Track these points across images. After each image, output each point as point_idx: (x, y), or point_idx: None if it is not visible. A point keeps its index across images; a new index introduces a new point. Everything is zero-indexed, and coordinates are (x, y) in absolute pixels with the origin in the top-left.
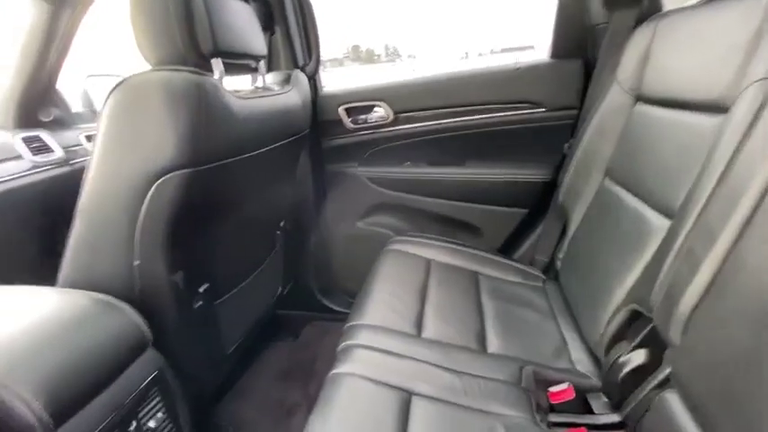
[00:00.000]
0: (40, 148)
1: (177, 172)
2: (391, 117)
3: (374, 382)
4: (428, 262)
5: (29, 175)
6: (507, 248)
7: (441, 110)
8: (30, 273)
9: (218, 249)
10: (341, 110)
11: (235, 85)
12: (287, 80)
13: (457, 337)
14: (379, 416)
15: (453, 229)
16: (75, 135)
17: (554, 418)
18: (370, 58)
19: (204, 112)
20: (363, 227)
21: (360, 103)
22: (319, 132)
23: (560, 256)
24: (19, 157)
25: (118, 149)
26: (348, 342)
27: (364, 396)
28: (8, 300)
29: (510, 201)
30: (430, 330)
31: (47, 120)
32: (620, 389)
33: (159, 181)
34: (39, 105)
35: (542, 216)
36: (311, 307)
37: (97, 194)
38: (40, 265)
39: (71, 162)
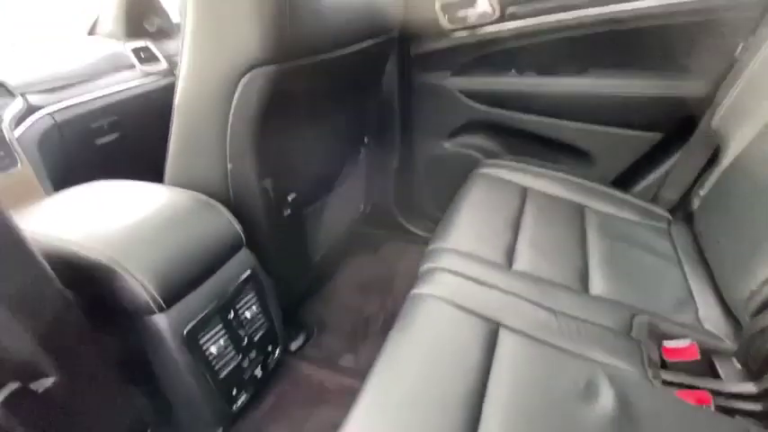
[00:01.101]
0: (148, 57)
1: (262, 68)
2: (497, 12)
3: (458, 308)
4: (524, 190)
5: (141, 83)
6: (624, 181)
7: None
8: (149, 173)
9: (305, 160)
10: (438, 4)
11: None
12: None
13: (553, 274)
14: (463, 341)
15: (557, 153)
16: (176, 45)
17: (669, 376)
18: None
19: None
20: (451, 147)
21: None
22: (409, 35)
23: (702, 192)
24: (132, 66)
25: (205, 44)
26: (431, 264)
27: (448, 320)
28: (126, 194)
29: (640, 122)
30: (522, 263)
31: (152, 30)
32: (765, 358)
33: (246, 77)
34: (144, 15)
35: (680, 143)
36: (391, 226)
37: (189, 94)
38: (155, 166)
39: (176, 72)
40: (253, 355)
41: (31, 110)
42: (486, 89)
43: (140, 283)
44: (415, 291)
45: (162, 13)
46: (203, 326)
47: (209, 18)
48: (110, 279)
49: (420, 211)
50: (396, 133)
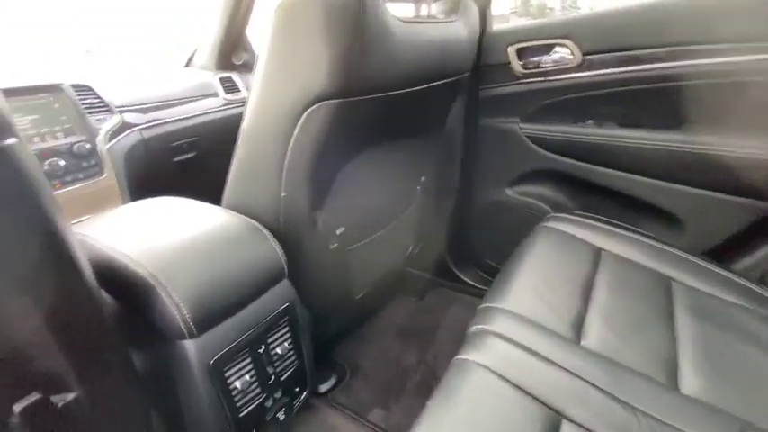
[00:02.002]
0: (231, 87)
1: (327, 102)
2: (578, 59)
3: (511, 385)
4: (597, 251)
5: (222, 110)
6: (722, 254)
7: (653, 50)
8: (217, 191)
9: (357, 195)
10: (511, 50)
11: (396, 12)
12: (455, 9)
13: (633, 359)
14: (515, 429)
15: (637, 214)
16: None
17: None
18: (541, 12)
19: (362, 31)
20: (514, 195)
21: (538, 41)
22: (479, 77)
23: None
24: (215, 94)
25: (276, 74)
26: (483, 326)
27: (498, 398)
28: (184, 212)
29: (747, 187)
30: (593, 339)
31: (238, 63)
32: None
33: (310, 110)
34: (232, 51)
35: None
36: (440, 272)
37: (255, 120)
38: (223, 186)
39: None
40: (278, 395)
41: (124, 126)
42: (557, 137)
43: (176, 306)
44: (462, 356)
45: (249, 49)
46: (231, 358)
47: (284, 50)
48: (148, 296)
49: (474, 259)
50: (455, 175)
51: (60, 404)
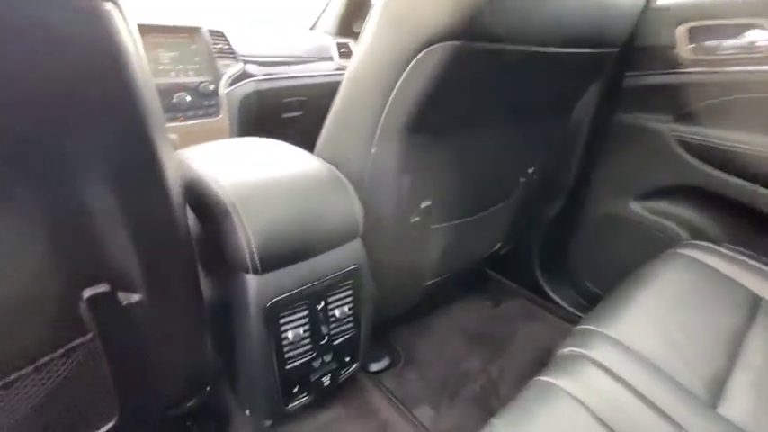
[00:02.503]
0: (346, 53)
1: (445, 43)
2: None
3: (604, 427)
4: (756, 300)
5: (334, 75)
6: None
7: None
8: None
9: (452, 170)
10: (681, 30)
11: None
12: None
13: None
14: None
15: None
16: None
17: None
18: None
19: None
20: (641, 212)
21: (721, 20)
22: (627, 60)
23: None
24: (331, 58)
25: (391, 17)
26: (579, 350)
27: None
28: (277, 153)
29: None
30: (736, 409)
31: (357, 31)
32: None
33: (423, 52)
34: (354, 19)
35: None
36: (524, 281)
37: (358, 70)
38: None
39: None
40: (327, 358)
41: (244, 75)
42: (721, 147)
43: (246, 237)
44: (545, 377)
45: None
46: (288, 305)
47: None
48: (223, 221)
49: (569, 276)
50: (569, 175)
51: (125, 302)
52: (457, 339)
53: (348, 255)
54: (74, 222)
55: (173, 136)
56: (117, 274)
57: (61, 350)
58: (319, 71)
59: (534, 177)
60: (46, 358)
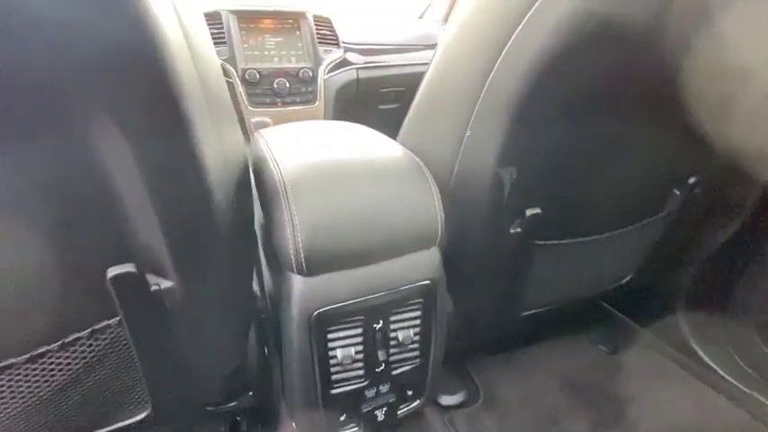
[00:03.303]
0: None
1: None
2: None
3: None
4: None
5: None
6: None
7: None
8: None
9: (571, 170)
10: None
11: None
12: None
13: None
14: None
15: None
16: None
17: None
18: None
19: None
20: None
21: None
22: None
23: None
24: (435, 46)
25: None
26: None
27: None
28: (360, 137)
29: None
30: None
31: None
32: None
33: (537, 3)
34: None
35: None
36: (660, 326)
37: (457, 32)
38: None
39: None
40: (384, 388)
41: (344, 63)
42: None
43: (292, 227)
44: None
45: None
46: (338, 318)
47: None
48: (274, 206)
49: (734, 331)
50: (753, 189)
51: (154, 287)
52: (555, 386)
53: (420, 266)
54: (90, 189)
55: (267, 120)
56: (144, 256)
57: (88, 330)
58: (421, 60)
59: (697, 191)
60: (73, 336)
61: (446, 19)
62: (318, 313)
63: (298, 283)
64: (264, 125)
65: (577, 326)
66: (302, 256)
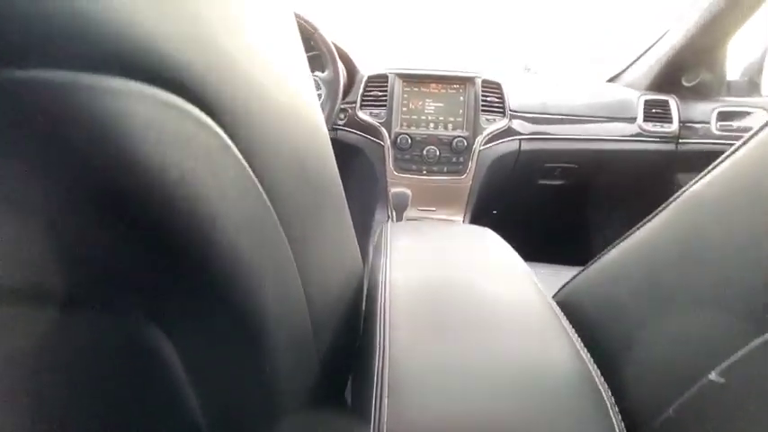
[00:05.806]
0: (659, 114)
1: None
2: None
3: None
4: None
5: (632, 141)
6: None
7: None
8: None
9: None
10: None
11: None
12: None
13: None
14: None
15: None
16: (707, 108)
17: None
18: None
19: None
20: None
21: None
22: None
23: None
24: (631, 119)
25: None
26: None
27: None
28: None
29: None
30: None
31: (688, 84)
32: None
33: None
34: (687, 67)
35: None
36: None
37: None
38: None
39: (681, 141)
40: None
41: (508, 132)
42: None
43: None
44: None
45: (717, 67)
46: None
47: None
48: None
49: None
50: None
51: None
52: None
53: None
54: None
55: (407, 192)
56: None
57: None
58: (609, 134)
59: None
60: None
61: (649, 85)
62: None
63: None
64: (404, 197)
65: None
66: None
